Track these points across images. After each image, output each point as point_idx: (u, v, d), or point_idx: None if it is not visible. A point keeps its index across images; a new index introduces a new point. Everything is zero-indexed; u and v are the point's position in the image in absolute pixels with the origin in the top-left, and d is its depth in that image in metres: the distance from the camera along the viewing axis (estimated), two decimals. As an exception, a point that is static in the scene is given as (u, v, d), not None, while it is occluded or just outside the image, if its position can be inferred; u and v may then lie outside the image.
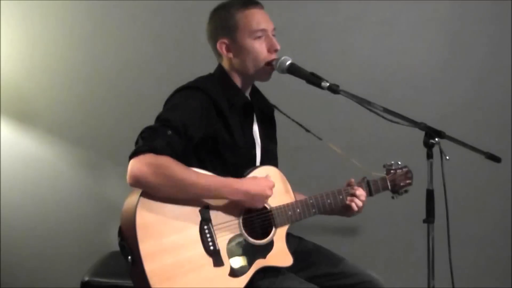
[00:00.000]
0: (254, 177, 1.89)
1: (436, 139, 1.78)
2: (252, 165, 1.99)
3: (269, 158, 2.08)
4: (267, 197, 1.87)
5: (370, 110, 1.89)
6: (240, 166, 1.95)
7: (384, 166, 2.23)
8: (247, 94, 2.07)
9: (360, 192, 2.09)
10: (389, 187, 2.20)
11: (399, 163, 2.25)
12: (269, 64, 1.98)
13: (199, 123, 1.86)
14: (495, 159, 1.84)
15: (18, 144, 2.91)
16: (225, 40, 1.98)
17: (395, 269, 3.00)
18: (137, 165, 1.70)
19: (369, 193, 2.14)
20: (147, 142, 1.73)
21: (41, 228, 2.96)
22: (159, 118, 1.83)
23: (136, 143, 1.77)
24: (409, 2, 2.95)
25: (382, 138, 2.91)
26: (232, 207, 1.86)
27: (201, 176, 1.78)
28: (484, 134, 2.91)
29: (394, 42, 2.97)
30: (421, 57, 2.98)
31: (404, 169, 2.24)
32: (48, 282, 2.96)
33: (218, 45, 2.00)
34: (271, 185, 1.88)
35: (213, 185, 1.79)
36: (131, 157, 1.73)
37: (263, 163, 2.03)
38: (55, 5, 2.89)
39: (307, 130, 2.16)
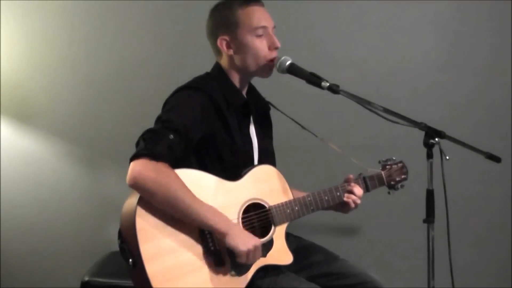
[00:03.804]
0: (249, 234, 1.81)
1: (436, 139, 1.78)
2: (250, 164, 1.99)
3: (267, 157, 2.08)
4: (248, 251, 1.77)
5: (370, 110, 1.89)
6: (238, 166, 1.95)
7: (379, 162, 2.24)
8: (244, 92, 2.06)
9: (358, 190, 2.09)
10: (385, 182, 2.20)
11: (394, 158, 2.25)
12: (269, 61, 1.98)
13: (200, 124, 1.86)
14: (495, 159, 1.84)
15: (18, 144, 2.91)
16: (226, 37, 1.98)
17: (395, 269, 2.99)
18: (137, 168, 1.70)
19: (366, 189, 2.14)
20: (149, 145, 1.73)
21: (41, 228, 2.95)
22: (159, 120, 1.83)
23: (137, 145, 1.77)
24: (409, 2, 2.95)
25: (382, 138, 2.90)
26: (230, 207, 1.85)
27: (197, 200, 1.75)
28: (484, 134, 2.91)
29: (394, 42, 2.97)
30: (421, 57, 2.97)
31: (399, 164, 2.25)
32: (48, 282, 2.96)
33: (218, 42, 1.99)
34: (258, 244, 1.81)
35: (202, 212, 1.74)
36: (132, 159, 1.73)
37: (260, 162, 2.03)
38: (55, 5, 2.88)
39: (303, 127, 2.16)
